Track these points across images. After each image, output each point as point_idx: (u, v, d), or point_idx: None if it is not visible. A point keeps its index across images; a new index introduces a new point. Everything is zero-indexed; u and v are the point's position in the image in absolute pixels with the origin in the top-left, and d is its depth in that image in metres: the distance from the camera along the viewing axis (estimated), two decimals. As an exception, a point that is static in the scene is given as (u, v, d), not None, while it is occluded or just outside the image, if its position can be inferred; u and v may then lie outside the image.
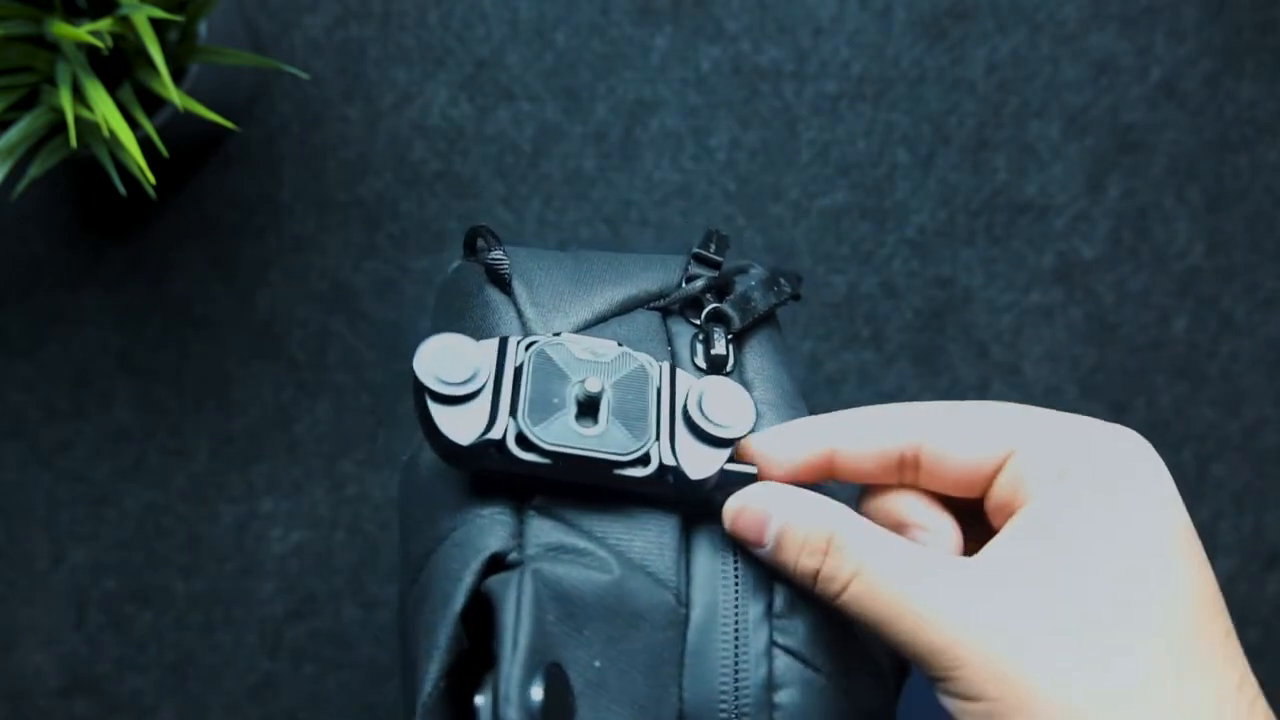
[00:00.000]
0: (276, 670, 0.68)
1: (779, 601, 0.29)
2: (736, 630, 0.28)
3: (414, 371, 0.28)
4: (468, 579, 0.27)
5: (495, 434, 0.27)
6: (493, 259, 0.34)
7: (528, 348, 0.29)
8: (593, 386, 0.28)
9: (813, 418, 0.30)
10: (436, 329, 0.37)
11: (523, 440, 0.27)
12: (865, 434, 0.28)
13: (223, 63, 0.58)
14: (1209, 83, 0.73)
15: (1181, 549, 0.25)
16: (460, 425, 0.27)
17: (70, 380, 0.69)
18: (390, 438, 0.69)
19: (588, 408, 0.28)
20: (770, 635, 0.28)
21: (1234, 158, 0.73)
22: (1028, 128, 0.72)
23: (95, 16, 0.56)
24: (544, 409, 0.28)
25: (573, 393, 0.29)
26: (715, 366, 0.34)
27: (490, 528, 0.28)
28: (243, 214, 0.70)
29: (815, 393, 0.71)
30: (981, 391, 0.71)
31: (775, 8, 0.71)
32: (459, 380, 0.28)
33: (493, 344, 0.29)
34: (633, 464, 0.28)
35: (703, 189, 0.71)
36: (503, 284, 0.34)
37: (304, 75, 0.69)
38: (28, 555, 0.68)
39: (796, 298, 0.37)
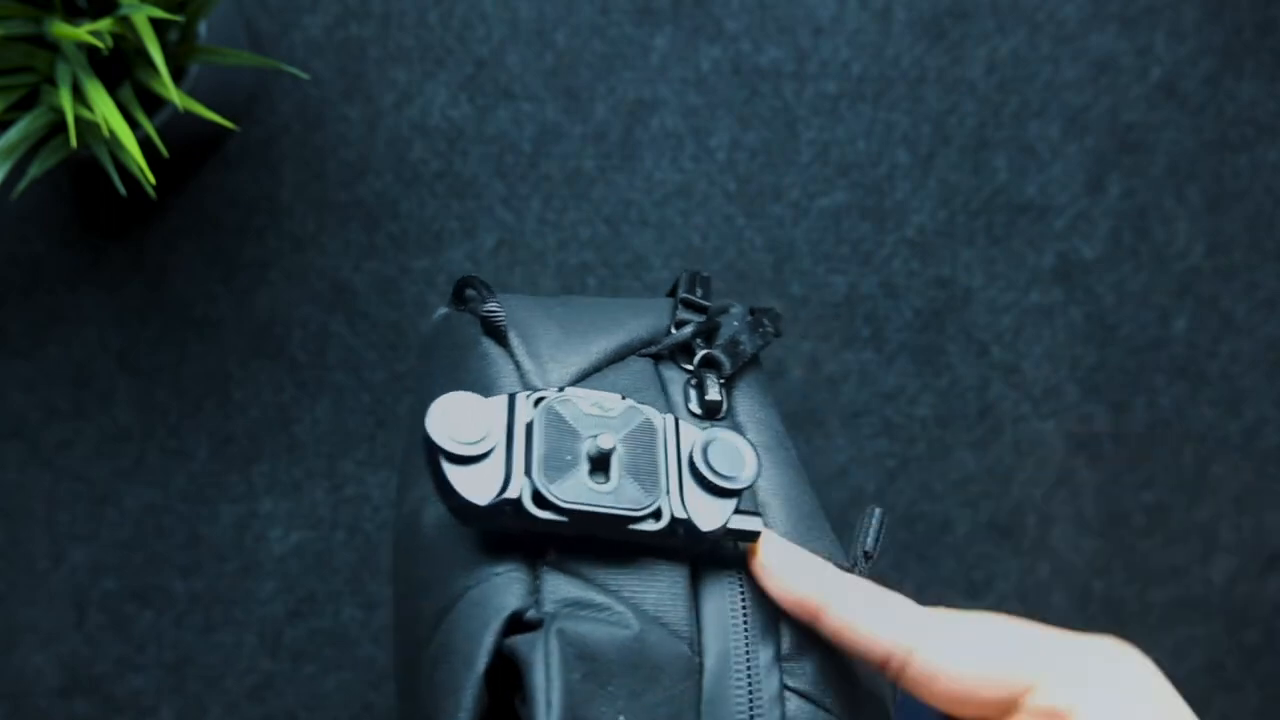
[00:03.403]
0: (276, 670, 0.68)
1: (786, 644, 0.30)
2: (749, 677, 0.29)
3: (427, 432, 0.28)
4: (489, 639, 0.27)
5: (511, 493, 0.27)
6: (488, 311, 0.34)
7: (536, 403, 0.29)
8: (605, 443, 0.28)
9: (824, 564, 0.30)
10: (428, 378, 0.37)
11: (539, 499, 0.28)
12: (860, 615, 0.28)
13: (223, 63, 0.58)
14: (1209, 83, 0.73)
15: None
16: (475, 485, 0.28)
17: (70, 380, 0.69)
18: (390, 438, 0.69)
19: (600, 464, 0.29)
20: (781, 679, 0.29)
21: (1234, 158, 0.73)
22: (1028, 128, 0.72)
23: (95, 16, 0.56)
24: (558, 466, 0.28)
25: (585, 449, 0.29)
26: (710, 412, 0.34)
27: (507, 586, 0.28)
28: (243, 214, 0.70)
29: (815, 392, 0.71)
30: (981, 391, 0.71)
31: (775, 8, 0.71)
32: (472, 440, 0.28)
33: (502, 401, 0.29)
34: (645, 518, 0.28)
35: (703, 189, 0.71)
36: (499, 336, 0.34)
37: (304, 75, 0.69)
38: (28, 555, 0.68)
39: (778, 335, 0.37)
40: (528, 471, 0.28)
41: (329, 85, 0.70)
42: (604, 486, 0.28)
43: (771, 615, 0.30)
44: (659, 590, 0.29)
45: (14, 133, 0.53)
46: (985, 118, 0.72)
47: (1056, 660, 0.27)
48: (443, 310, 0.39)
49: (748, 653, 0.29)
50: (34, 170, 0.55)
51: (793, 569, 0.29)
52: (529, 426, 0.29)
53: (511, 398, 0.29)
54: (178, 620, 0.68)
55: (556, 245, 0.70)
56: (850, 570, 0.32)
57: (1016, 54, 0.72)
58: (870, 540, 0.32)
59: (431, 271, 0.70)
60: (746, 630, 0.29)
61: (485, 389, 0.33)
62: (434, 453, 0.28)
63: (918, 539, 0.71)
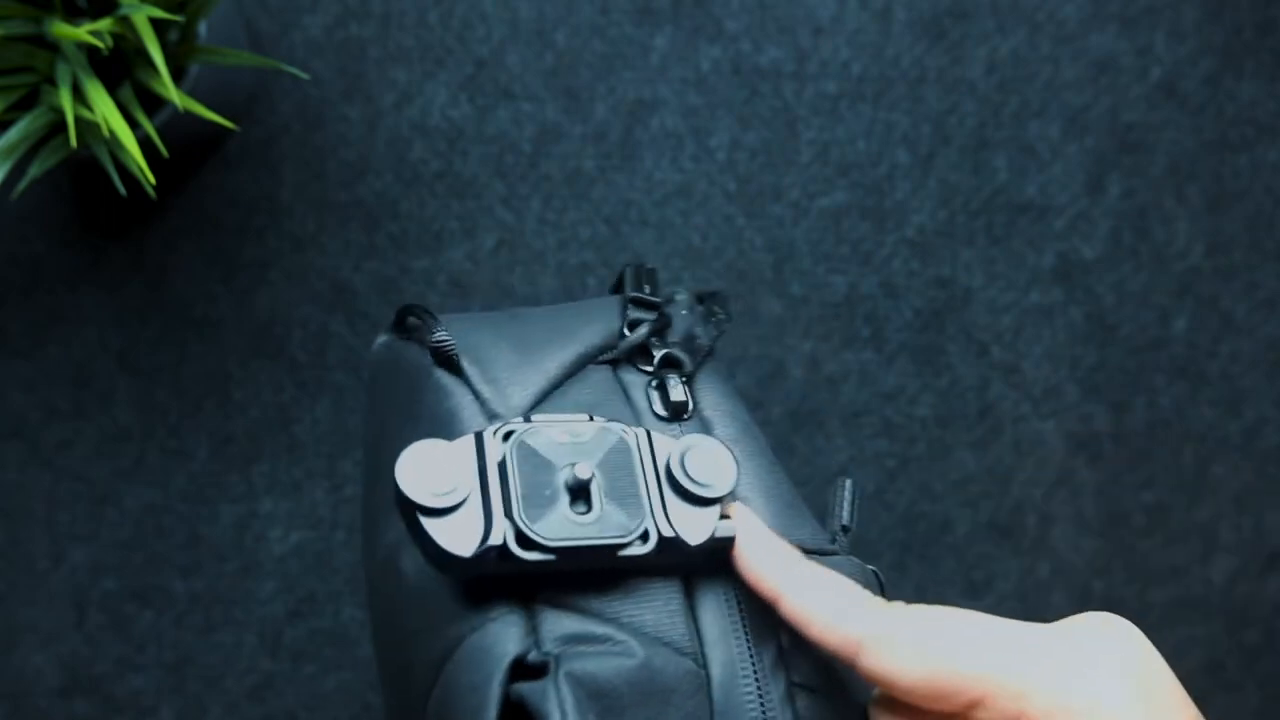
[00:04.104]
0: (276, 670, 0.68)
1: (785, 640, 0.29)
2: (757, 681, 0.28)
3: (399, 488, 0.27)
4: (494, 690, 0.26)
5: (495, 539, 0.27)
6: (438, 340, 0.33)
7: (505, 438, 0.28)
8: (583, 473, 0.28)
9: (789, 551, 0.29)
10: (382, 415, 0.36)
11: (523, 540, 0.27)
12: (810, 606, 0.28)
13: (223, 63, 0.58)
14: (1209, 83, 0.73)
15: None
16: (456, 536, 0.27)
17: (70, 380, 0.69)
18: (390, 438, 0.69)
19: (580, 493, 0.28)
20: (788, 676, 0.29)
21: (1234, 158, 0.73)
22: (1028, 128, 0.72)
23: (95, 16, 0.56)
24: (537, 503, 0.27)
25: (562, 480, 0.28)
26: (676, 413, 0.33)
27: (504, 630, 0.27)
28: (243, 214, 0.70)
29: (815, 392, 0.71)
30: (981, 391, 0.71)
31: (775, 8, 0.71)
32: (446, 489, 0.27)
33: (469, 441, 0.28)
34: (633, 542, 0.28)
35: (703, 189, 0.71)
36: (452, 365, 0.33)
37: (304, 75, 0.69)
38: (28, 555, 0.68)
39: (730, 319, 0.36)
40: (508, 514, 0.27)
41: (329, 85, 0.70)
42: (587, 517, 0.28)
43: (767, 615, 0.29)
44: (655, 609, 0.28)
45: (14, 133, 0.53)
46: (985, 118, 0.72)
47: (1009, 666, 0.26)
48: (383, 338, 0.37)
49: (752, 657, 0.29)
50: (34, 170, 0.55)
51: (759, 556, 0.29)
52: (501, 465, 0.28)
53: (479, 436, 0.28)
54: (178, 620, 0.68)
55: (556, 245, 0.70)
56: (830, 546, 0.32)
57: (1016, 54, 0.72)
58: (845, 513, 0.32)
59: (431, 271, 0.70)
60: (747, 635, 0.29)
61: (445, 422, 0.32)
62: (409, 508, 0.27)
63: (918, 539, 0.71)
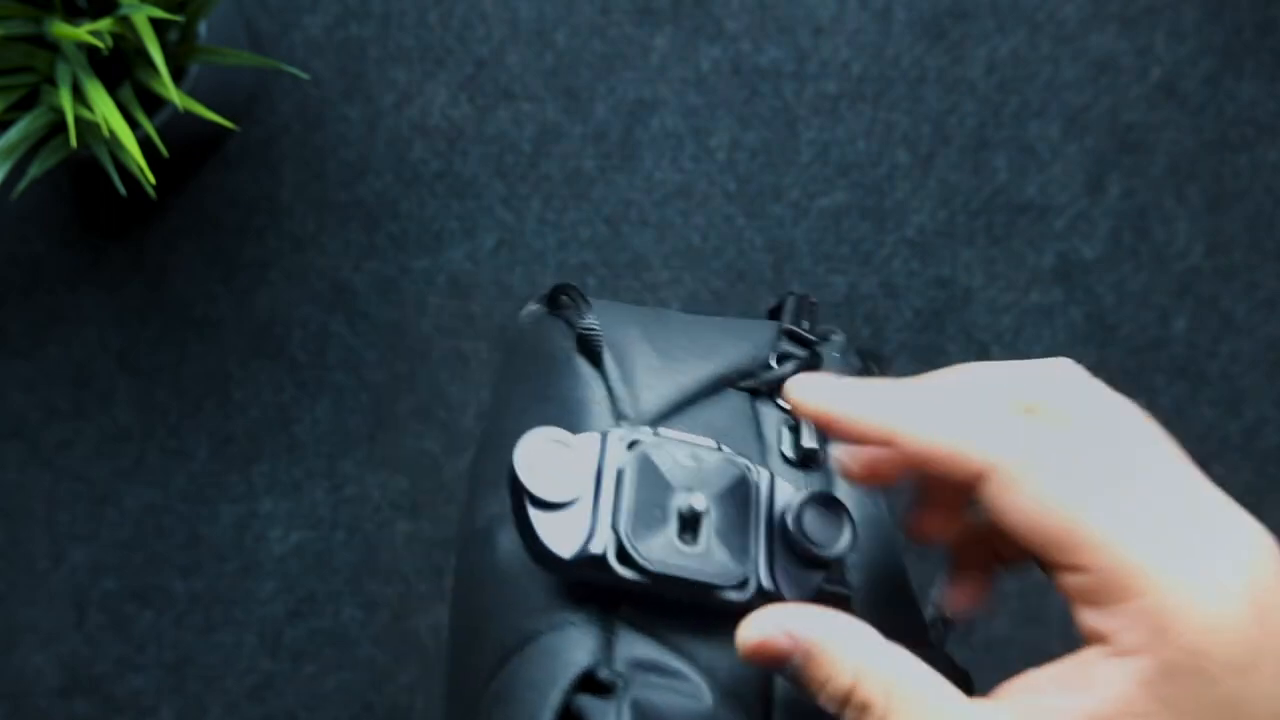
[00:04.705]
0: (276, 670, 0.68)
1: None
2: None
3: (515, 473, 0.26)
4: (556, 696, 0.26)
5: (596, 548, 0.26)
6: (586, 326, 0.33)
7: (629, 446, 0.28)
8: (698, 504, 0.27)
9: (896, 386, 0.28)
10: (514, 387, 0.36)
11: (623, 555, 0.26)
12: (935, 430, 0.26)
13: (223, 63, 0.58)
14: (1209, 83, 0.73)
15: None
16: (561, 534, 0.26)
17: (70, 380, 0.69)
18: (390, 438, 0.69)
19: (690, 523, 0.27)
20: None
21: (1234, 158, 0.73)
22: (1028, 128, 0.72)
23: (95, 16, 0.56)
24: (646, 522, 0.27)
25: (676, 505, 0.27)
26: (804, 460, 0.32)
27: (580, 639, 0.27)
28: (243, 214, 0.70)
29: (815, 393, 0.71)
30: (981, 391, 0.71)
31: (775, 8, 0.71)
32: (560, 483, 0.27)
33: (594, 440, 0.28)
34: (732, 589, 0.27)
35: (703, 189, 0.71)
36: (594, 355, 0.33)
37: (304, 75, 0.70)
38: (28, 555, 0.68)
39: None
40: (614, 525, 0.27)
41: (329, 85, 0.70)
42: (692, 549, 0.27)
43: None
44: (733, 659, 0.28)
45: (14, 133, 0.53)
46: (985, 118, 0.72)
47: (1130, 536, 0.24)
48: (534, 307, 0.37)
49: None
50: (34, 170, 0.55)
51: (858, 400, 0.27)
52: (619, 473, 0.27)
53: (604, 437, 0.28)
54: (178, 620, 0.68)
55: (556, 245, 0.70)
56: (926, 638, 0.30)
57: (1016, 54, 0.72)
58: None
59: (431, 271, 0.70)
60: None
61: (574, 410, 0.32)
62: (520, 496, 0.27)
63: (918, 539, 0.71)
